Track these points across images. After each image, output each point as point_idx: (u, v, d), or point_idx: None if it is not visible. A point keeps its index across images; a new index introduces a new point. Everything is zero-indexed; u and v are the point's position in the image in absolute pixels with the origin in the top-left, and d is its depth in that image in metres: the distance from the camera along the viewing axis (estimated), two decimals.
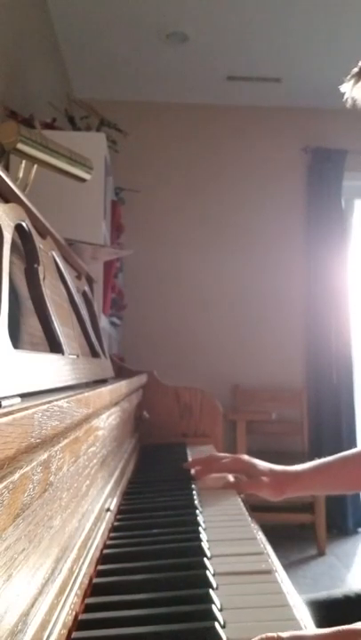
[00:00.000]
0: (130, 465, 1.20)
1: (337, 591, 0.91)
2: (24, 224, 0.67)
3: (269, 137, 3.81)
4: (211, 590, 0.56)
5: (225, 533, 0.78)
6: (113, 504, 0.85)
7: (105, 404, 0.78)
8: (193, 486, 1.03)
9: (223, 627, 0.50)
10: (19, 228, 0.66)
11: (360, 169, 3.69)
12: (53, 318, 0.71)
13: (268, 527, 0.91)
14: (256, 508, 1.09)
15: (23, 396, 0.48)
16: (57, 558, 0.51)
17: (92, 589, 0.58)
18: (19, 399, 0.47)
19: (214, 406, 1.69)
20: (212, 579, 0.59)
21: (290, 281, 3.72)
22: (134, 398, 1.28)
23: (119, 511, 0.87)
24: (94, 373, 0.95)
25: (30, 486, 0.36)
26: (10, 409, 0.40)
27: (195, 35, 3.02)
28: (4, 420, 0.35)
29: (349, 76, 0.91)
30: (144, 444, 1.53)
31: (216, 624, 0.49)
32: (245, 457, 1.10)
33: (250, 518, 0.87)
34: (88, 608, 0.53)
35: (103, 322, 2.17)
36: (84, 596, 0.55)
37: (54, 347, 0.70)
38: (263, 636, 0.44)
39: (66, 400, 0.51)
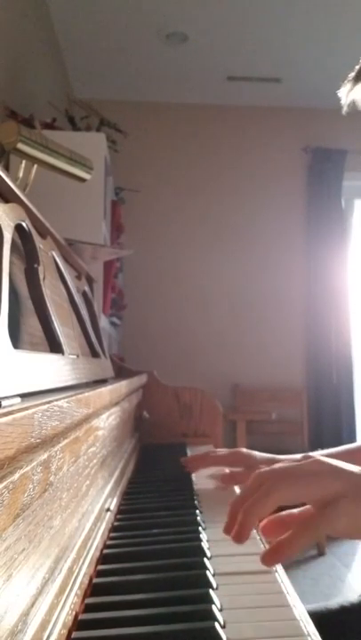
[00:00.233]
0: (130, 465, 1.20)
1: (333, 602, 0.90)
2: (24, 224, 0.67)
3: (269, 137, 3.81)
4: (211, 590, 0.56)
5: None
6: (113, 504, 0.85)
7: (105, 404, 0.78)
8: (193, 486, 1.03)
9: (223, 627, 0.50)
10: (19, 227, 0.66)
11: (360, 169, 3.69)
12: (53, 318, 0.71)
13: None
14: None
15: (23, 396, 0.48)
16: (57, 558, 0.51)
17: (92, 589, 0.58)
18: (19, 399, 0.47)
19: (214, 406, 1.68)
20: (212, 579, 0.59)
21: (290, 281, 3.72)
22: (134, 398, 1.28)
23: (119, 511, 0.87)
24: (94, 373, 0.95)
25: (30, 486, 0.36)
26: (10, 409, 0.40)
27: (195, 35, 3.02)
28: (4, 420, 0.35)
29: (346, 81, 0.90)
30: (144, 443, 1.53)
31: (216, 624, 0.49)
32: (244, 450, 1.08)
33: None
34: (88, 608, 0.53)
35: (103, 322, 2.17)
36: (84, 596, 0.55)
37: (54, 347, 0.70)
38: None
39: (66, 400, 0.51)
